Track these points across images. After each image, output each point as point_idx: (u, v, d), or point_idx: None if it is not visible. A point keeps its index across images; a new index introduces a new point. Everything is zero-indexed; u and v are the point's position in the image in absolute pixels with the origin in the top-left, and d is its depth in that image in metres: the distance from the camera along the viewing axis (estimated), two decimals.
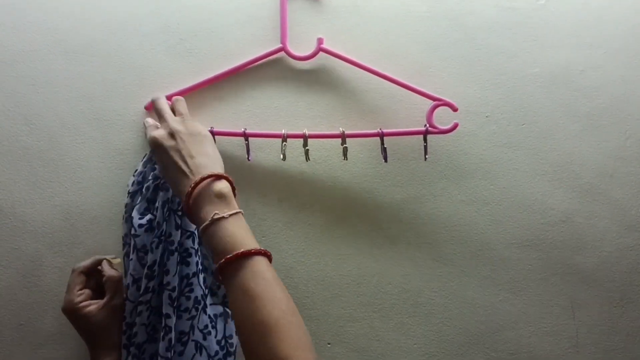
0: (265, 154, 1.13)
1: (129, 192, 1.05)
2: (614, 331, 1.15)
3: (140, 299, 0.98)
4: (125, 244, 1.05)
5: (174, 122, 0.99)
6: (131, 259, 0.99)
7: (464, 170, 1.15)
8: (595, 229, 1.15)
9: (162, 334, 0.97)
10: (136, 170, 1.07)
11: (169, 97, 1.11)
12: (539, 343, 1.14)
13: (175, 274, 1.00)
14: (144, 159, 1.07)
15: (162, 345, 0.97)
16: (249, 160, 1.11)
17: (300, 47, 1.13)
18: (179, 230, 1.02)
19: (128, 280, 1.00)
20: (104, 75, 1.12)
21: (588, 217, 1.15)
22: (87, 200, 1.10)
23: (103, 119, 1.12)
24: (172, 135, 0.97)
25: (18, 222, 1.09)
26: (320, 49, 1.13)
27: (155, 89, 1.12)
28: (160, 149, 0.97)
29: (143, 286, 0.98)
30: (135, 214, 1.01)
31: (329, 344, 1.13)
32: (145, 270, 0.98)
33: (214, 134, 1.09)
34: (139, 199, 1.02)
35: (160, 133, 0.98)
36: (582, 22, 1.16)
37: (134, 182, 1.05)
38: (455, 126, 1.12)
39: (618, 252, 1.15)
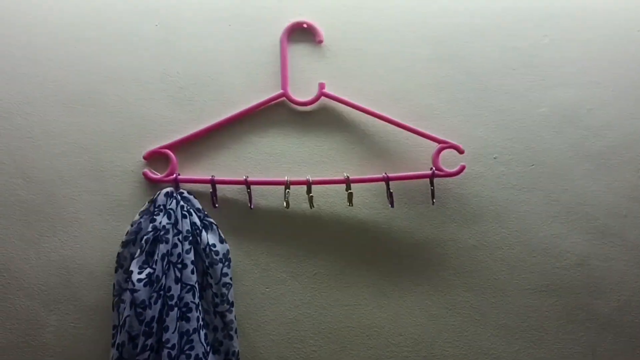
0: (268, 201, 1.09)
1: (122, 242, 1.02)
2: None
3: (137, 358, 0.93)
4: (116, 294, 1.00)
5: None
6: (128, 315, 0.94)
7: (474, 214, 1.11)
8: (612, 272, 1.11)
9: None
10: (133, 220, 1.03)
11: (168, 147, 1.08)
12: None
13: (174, 330, 0.95)
14: (142, 209, 1.03)
15: None
16: (251, 208, 1.08)
17: (302, 92, 1.11)
18: (179, 284, 0.98)
19: (123, 337, 0.95)
20: (102, 126, 1.10)
21: (604, 259, 1.11)
22: (84, 255, 1.06)
23: (101, 170, 1.09)
24: None
25: (12, 279, 1.05)
26: (322, 94, 1.11)
27: (154, 138, 1.09)
28: None
29: (140, 344, 0.93)
30: (134, 267, 0.96)
31: None
32: (143, 328, 0.93)
33: (215, 182, 1.06)
34: (137, 253, 0.98)
35: None
36: (588, 60, 1.14)
37: (128, 231, 1.02)
38: (462, 169, 1.10)
39: (638, 296, 1.10)
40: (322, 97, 1.11)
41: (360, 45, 1.13)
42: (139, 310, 0.95)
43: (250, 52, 1.12)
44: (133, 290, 0.95)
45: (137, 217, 1.03)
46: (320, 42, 1.13)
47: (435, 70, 1.14)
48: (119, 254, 1.01)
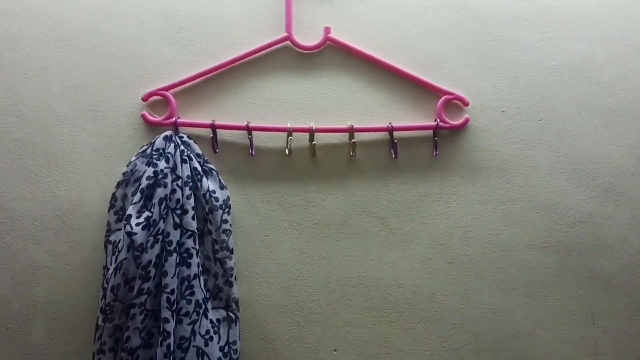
0: (270, 148, 1.07)
1: (118, 182, 1.00)
2: (636, 339, 1.09)
3: (133, 301, 0.91)
4: (106, 234, 0.98)
5: None
6: (125, 258, 0.92)
7: (478, 168, 1.09)
8: (615, 231, 1.09)
9: (160, 339, 0.91)
10: (129, 161, 1.00)
11: (167, 88, 1.05)
12: (557, 351, 1.08)
13: (174, 275, 0.94)
14: (139, 150, 1.01)
15: (159, 352, 0.90)
16: (252, 154, 1.05)
17: (307, 36, 1.08)
18: (178, 230, 0.96)
19: (118, 279, 0.92)
20: (99, 64, 1.06)
21: (608, 218, 1.09)
22: (80, 196, 1.04)
23: (98, 111, 1.06)
24: None
25: (6, 218, 1.03)
26: (327, 39, 1.07)
27: (153, 79, 1.06)
28: None
29: (137, 287, 0.91)
30: (132, 211, 0.94)
31: (334, 350, 1.06)
32: (140, 271, 0.92)
33: (215, 127, 1.04)
34: (136, 197, 0.96)
35: None
36: (603, 14, 1.11)
37: (125, 172, 1.00)
38: (466, 121, 1.07)
39: None
40: (328, 42, 1.07)
41: None
42: (137, 253, 0.93)
43: None
44: (130, 234, 0.93)
45: (133, 157, 1.00)
46: None
47: (444, 18, 1.10)
48: (113, 193, 0.99)
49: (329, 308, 1.07)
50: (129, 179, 0.98)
